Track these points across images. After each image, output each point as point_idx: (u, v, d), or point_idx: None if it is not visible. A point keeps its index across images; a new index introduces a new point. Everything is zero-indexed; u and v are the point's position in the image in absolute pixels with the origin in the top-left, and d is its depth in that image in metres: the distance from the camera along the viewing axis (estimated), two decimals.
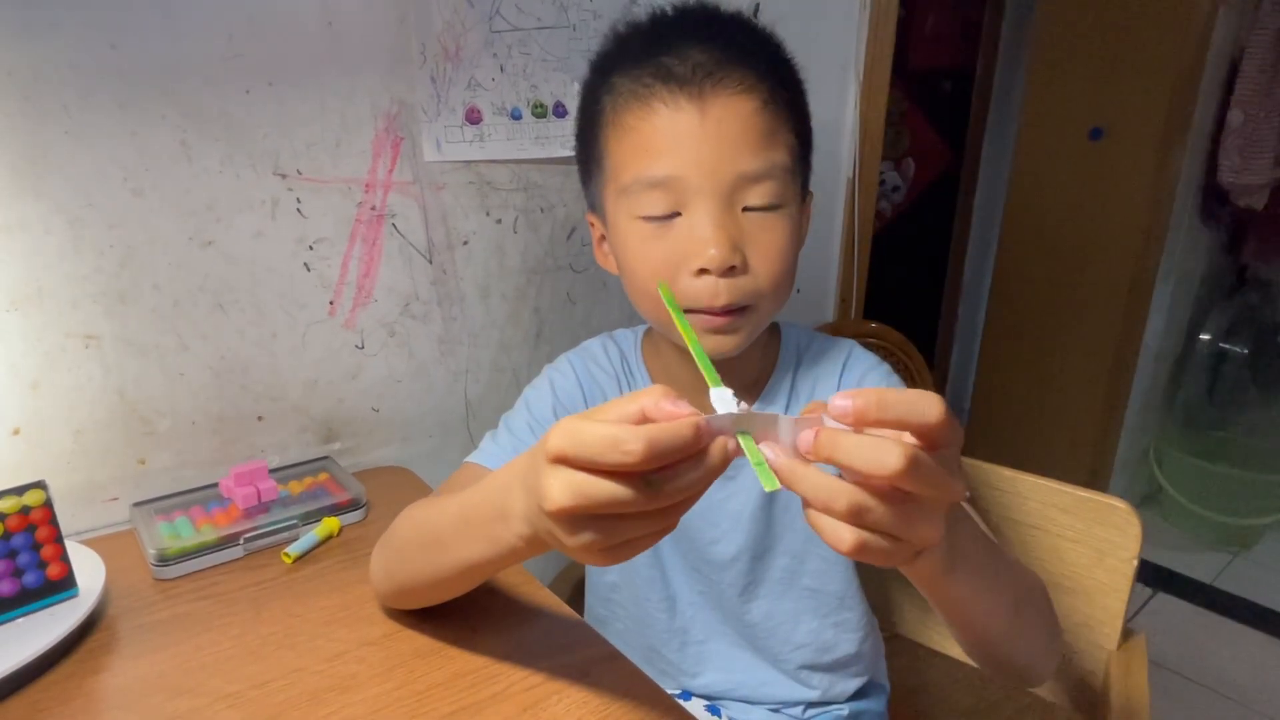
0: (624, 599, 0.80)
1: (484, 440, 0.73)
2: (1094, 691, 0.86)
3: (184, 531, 0.77)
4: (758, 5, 1.16)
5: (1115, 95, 1.97)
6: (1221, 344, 2.37)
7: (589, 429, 0.37)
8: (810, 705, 0.80)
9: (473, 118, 0.97)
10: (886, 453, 0.35)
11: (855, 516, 0.37)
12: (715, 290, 0.61)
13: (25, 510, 0.64)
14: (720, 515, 0.74)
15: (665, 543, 0.76)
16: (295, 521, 0.80)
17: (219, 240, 0.85)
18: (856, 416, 0.37)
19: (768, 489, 0.38)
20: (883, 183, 2.41)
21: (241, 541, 0.77)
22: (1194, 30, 1.87)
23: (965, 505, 0.67)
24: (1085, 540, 0.84)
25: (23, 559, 0.64)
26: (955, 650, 0.99)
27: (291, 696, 0.58)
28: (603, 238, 0.71)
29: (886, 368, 0.74)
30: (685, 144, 0.60)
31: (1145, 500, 2.43)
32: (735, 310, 0.63)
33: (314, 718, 0.56)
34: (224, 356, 0.88)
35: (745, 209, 0.62)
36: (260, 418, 0.92)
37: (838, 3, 1.31)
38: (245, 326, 0.88)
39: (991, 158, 2.56)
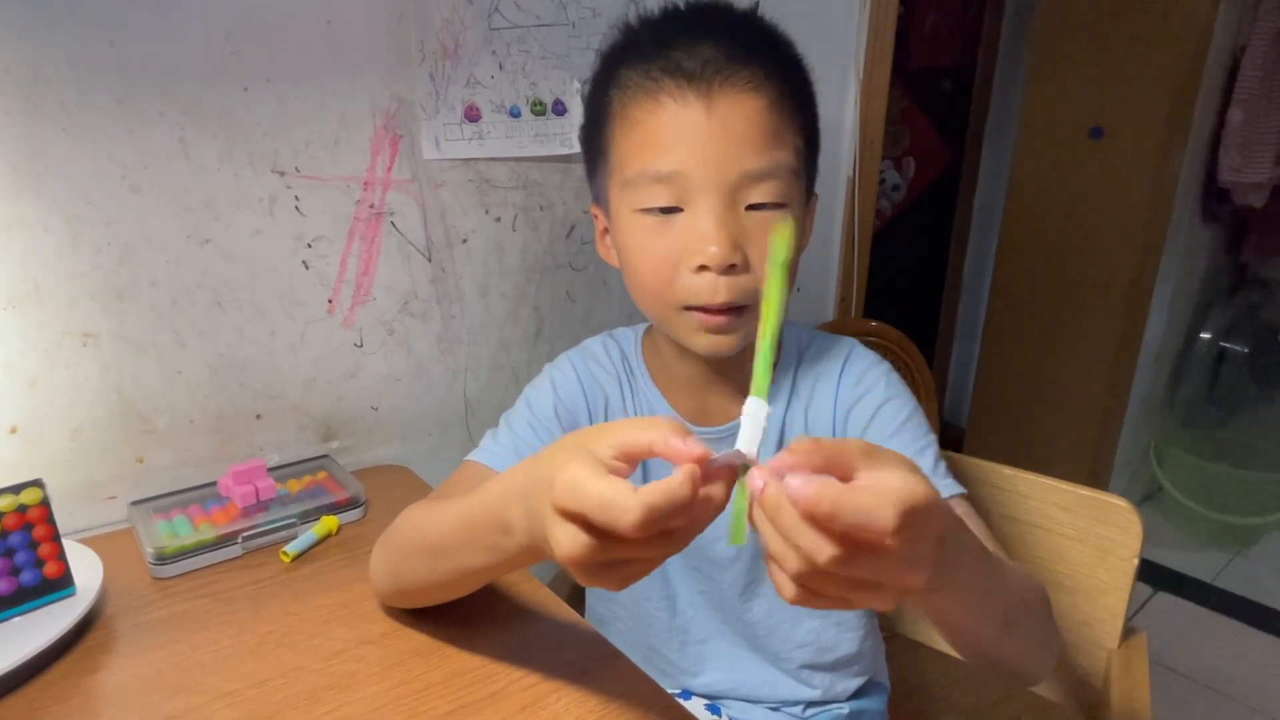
0: (624, 598, 0.80)
1: (485, 438, 0.73)
2: (1094, 690, 0.86)
3: (182, 530, 0.77)
4: (757, 4, 1.16)
5: (1115, 95, 1.97)
6: (1222, 343, 2.37)
7: (589, 488, 0.38)
8: (810, 704, 0.80)
9: (472, 115, 0.97)
10: (880, 516, 0.34)
11: (802, 580, 0.37)
12: (715, 288, 0.61)
13: (22, 509, 0.64)
14: (721, 514, 0.74)
15: None
16: (294, 520, 0.80)
17: (217, 238, 0.84)
18: (805, 509, 0.35)
19: (730, 542, 0.38)
20: (883, 182, 2.41)
21: (240, 540, 0.77)
22: (1194, 30, 1.87)
23: (964, 503, 0.67)
24: (1086, 539, 0.84)
25: (20, 557, 0.63)
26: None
27: (290, 695, 0.58)
28: (605, 231, 0.71)
29: (886, 366, 0.74)
30: (691, 140, 0.60)
31: (1145, 499, 2.43)
32: (734, 309, 0.63)
33: (312, 716, 0.55)
34: (222, 354, 0.88)
35: (748, 207, 0.62)
36: (259, 416, 0.92)
37: (838, 2, 1.31)
38: (244, 324, 0.88)
39: (991, 157, 2.57)
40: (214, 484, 0.86)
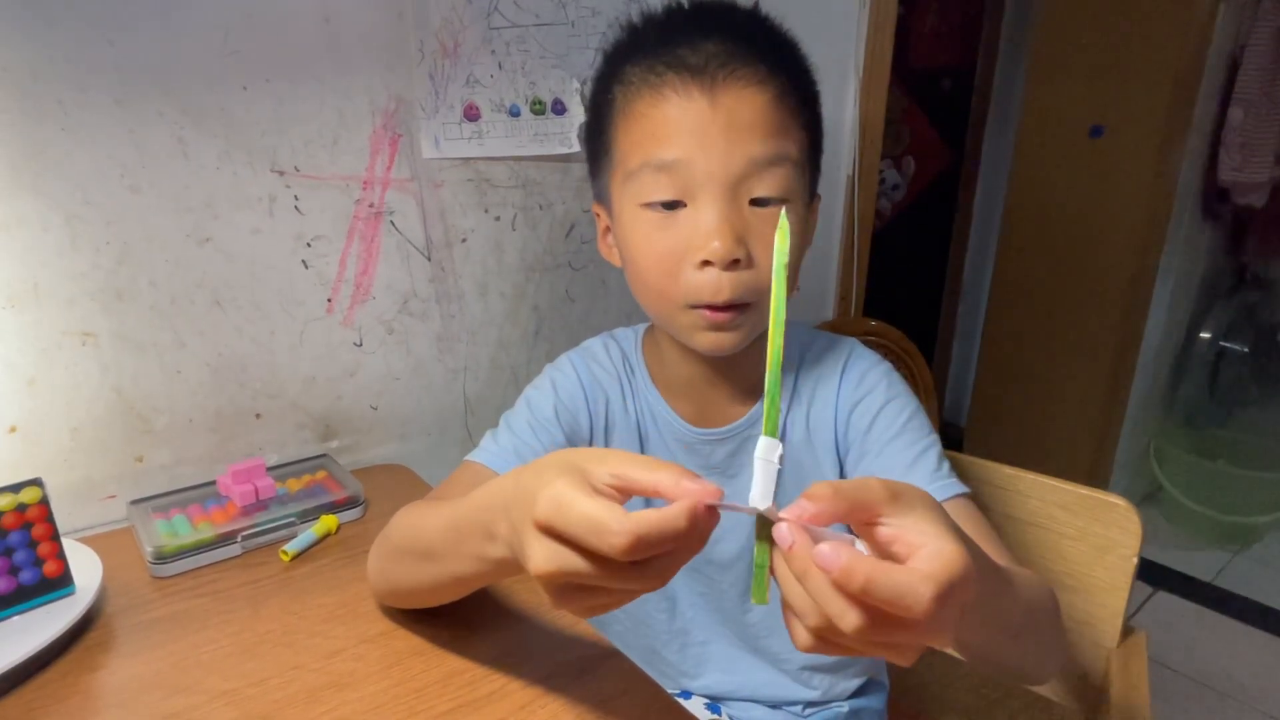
0: None
1: (484, 439, 0.73)
2: (1094, 689, 0.86)
3: (181, 529, 0.77)
4: (756, 4, 1.16)
5: (1115, 93, 1.97)
6: (1221, 342, 2.37)
7: (577, 507, 0.37)
8: (810, 704, 0.80)
9: (471, 115, 0.97)
10: (918, 598, 0.33)
11: (862, 634, 0.35)
12: (718, 284, 0.61)
13: (21, 508, 0.64)
14: (722, 516, 0.74)
15: None
16: (293, 519, 0.80)
17: (216, 237, 0.84)
18: (836, 582, 0.34)
19: (755, 600, 0.37)
20: (882, 181, 2.41)
21: (239, 539, 0.77)
22: (1194, 29, 1.87)
23: (969, 503, 0.66)
24: (1085, 538, 0.84)
25: (19, 556, 0.63)
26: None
27: (289, 694, 0.58)
28: (607, 229, 0.71)
29: (887, 366, 0.73)
30: (694, 130, 0.60)
31: (1145, 498, 2.43)
32: (737, 306, 0.62)
33: (311, 715, 0.55)
34: (221, 354, 0.88)
35: (753, 201, 0.61)
36: (258, 415, 0.92)
37: (838, 2, 1.31)
38: (243, 324, 0.88)
39: (991, 156, 2.57)
40: (213, 483, 0.86)
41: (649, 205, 0.62)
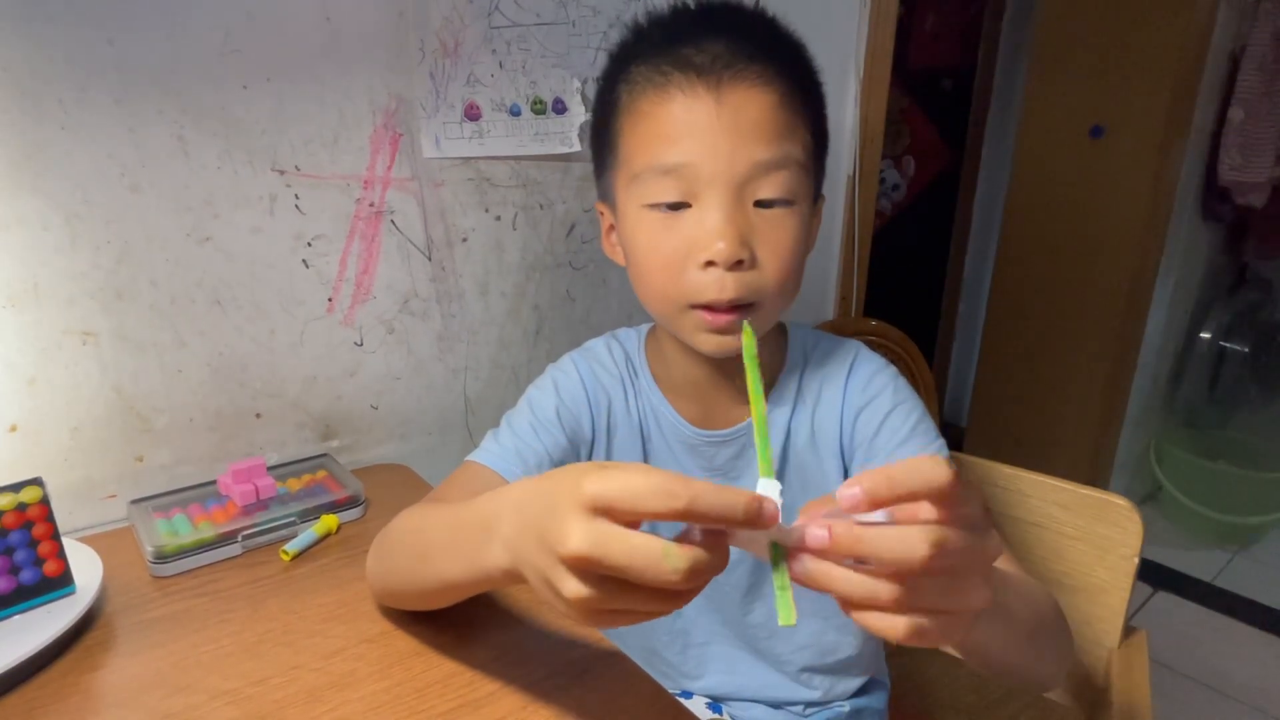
0: None
1: (486, 439, 0.73)
2: (1095, 689, 0.86)
3: (182, 529, 0.77)
4: (757, 2, 1.16)
5: (1115, 94, 1.97)
6: (1222, 342, 2.37)
7: (631, 476, 0.36)
8: (811, 704, 0.80)
9: (472, 114, 0.97)
10: (912, 543, 0.34)
11: (902, 606, 0.36)
12: (722, 285, 0.61)
13: (22, 507, 0.64)
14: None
15: None
16: (293, 519, 0.80)
17: (217, 237, 0.84)
18: (870, 501, 0.35)
19: (782, 622, 0.36)
20: (883, 181, 2.41)
21: (239, 539, 0.77)
22: (1194, 29, 1.87)
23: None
24: (1086, 538, 0.84)
25: (19, 556, 0.63)
26: None
27: (289, 694, 0.57)
28: (611, 228, 0.71)
29: (893, 370, 0.73)
30: (700, 131, 0.60)
31: (1146, 499, 2.43)
32: (741, 306, 0.62)
33: (312, 715, 0.55)
34: (222, 353, 0.87)
35: (757, 203, 0.61)
36: (258, 415, 0.92)
37: (838, 2, 1.31)
38: (243, 323, 0.88)
39: (991, 156, 2.57)
40: (213, 482, 0.86)
41: (654, 206, 0.62)
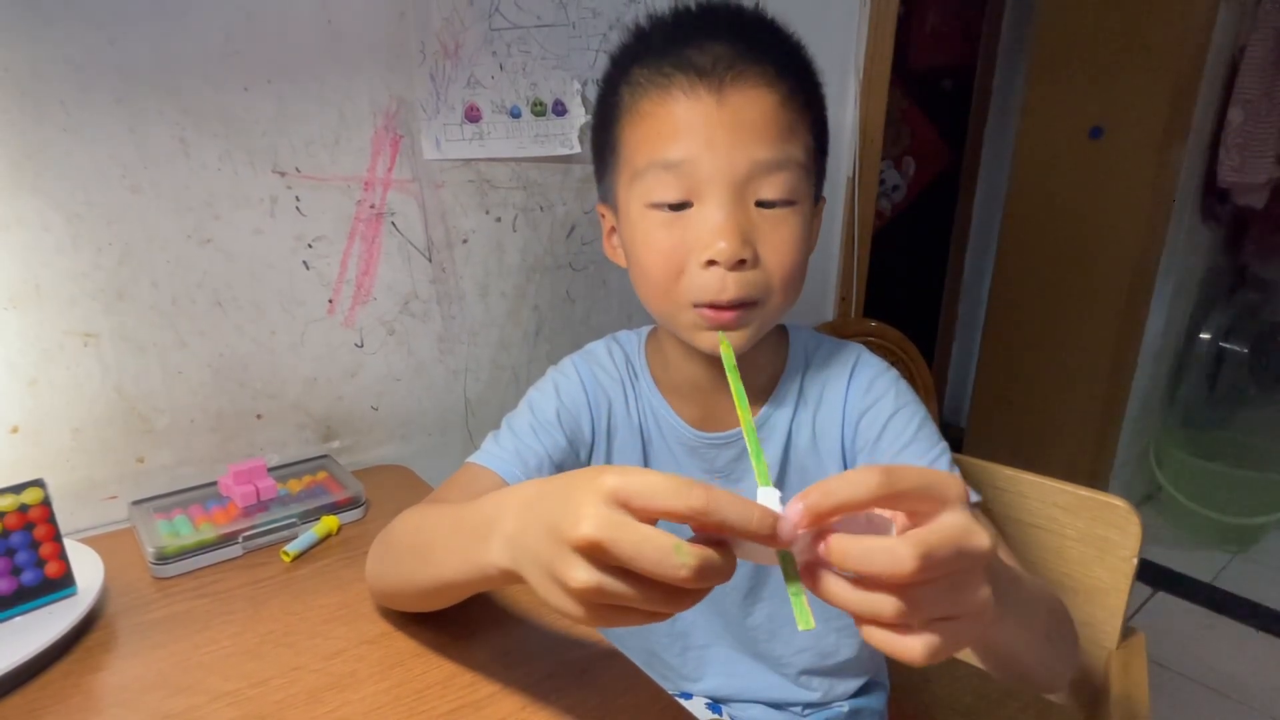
0: None
1: (486, 440, 0.73)
2: (1094, 690, 0.86)
3: (182, 530, 0.77)
4: (757, 4, 1.16)
5: (1115, 95, 1.97)
6: (1221, 343, 2.37)
7: (652, 474, 0.37)
8: (810, 705, 0.80)
9: (472, 116, 0.97)
10: (897, 558, 0.34)
11: (905, 619, 0.36)
12: (723, 283, 0.61)
13: (23, 508, 0.64)
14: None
15: None
16: (294, 520, 0.80)
17: (217, 238, 0.84)
18: (812, 518, 0.36)
19: (802, 627, 0.37)
20: (882, 181, 2.42)
21: (240, 540, 0.77)
22: (1194, 30, 1.87)
23: (978, 512, 0.67)
24: (1085, 539, 0.84)
25: (21, 557, 0.63)
26: None
27: (290, 695, 0.58)
28: (612, 230, 0.71)
29: (895, 373, 0.73)
30: (701, 129, 0.60)
31: (1145, 499, 2.43)
32: (742, 305, 0.62)
33: (312, 716, 0.55)
34: (223, 354, 0.88)
35: (758, 203, 0.61)
36: (259, 416, 0.92)
37: (838, 2, 1.31)
38: (244, 324, 0.88)
39: (991, 157, 2.57)
40: (214, 484, 0.86)
41: (656, 205, 0.62)
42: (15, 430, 0.78)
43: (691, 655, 0.79)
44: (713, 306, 0.62)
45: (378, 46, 0.89)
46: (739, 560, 0.51)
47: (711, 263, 0.60)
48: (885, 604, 0.36)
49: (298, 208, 0.88)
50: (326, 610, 0.68)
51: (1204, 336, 2.37)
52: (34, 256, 0.75)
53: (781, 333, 0.75)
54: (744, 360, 0.67)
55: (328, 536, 0.80)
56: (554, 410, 0.72)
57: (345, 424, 0.99)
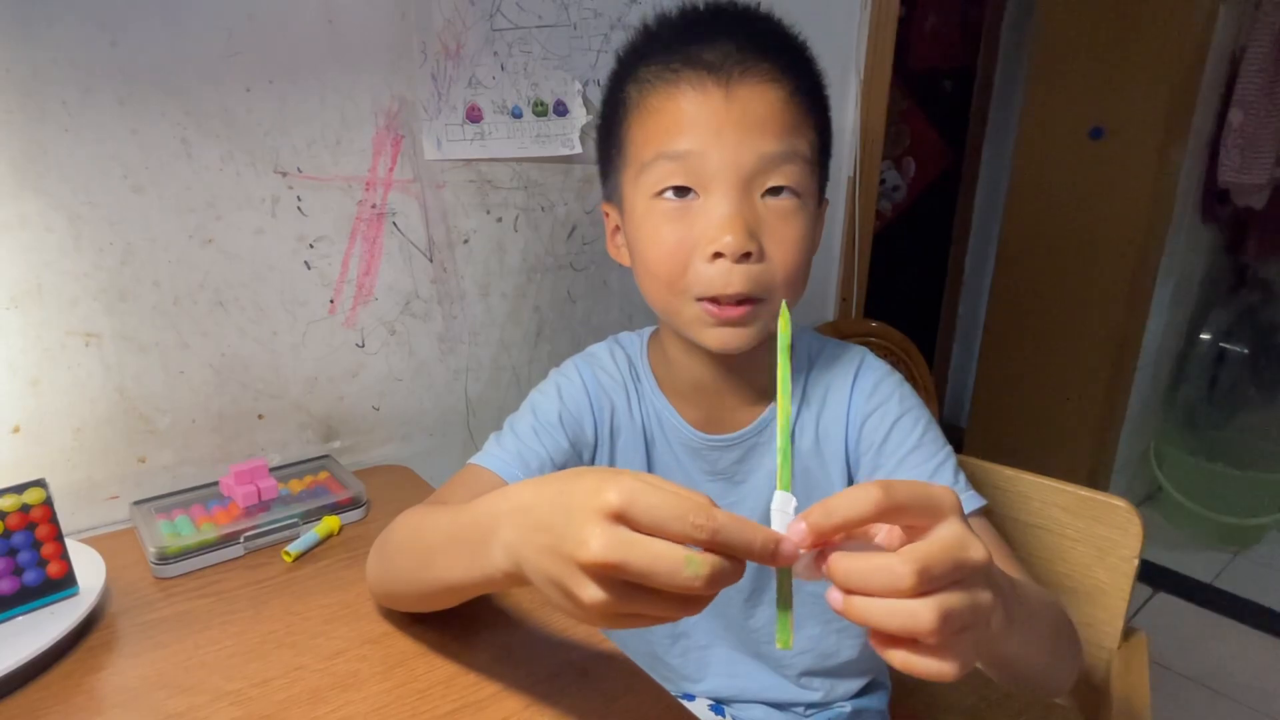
0: None
1: (488, 442, 0.73)
2: (1095, 690, 0.86)
3: (184, 530, 0.77)
4: (758, 4, 1.16)
5: (1115, 95, 1.97)
6: (1221, 344, 2.37)
7: (655, 493, 0.37)
8: (812, 705, 0.80)
9: (473, 116, 0.97)
10: (896, 576, 0.35)
11: (937, 625, 0.35)
12: (729, 277, 0.61)
13: (25, 508, 0.64)
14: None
15: None
16: (295, 520, 0.80)
17: (219, 238, 0.84)
18: (815, 537, 0.36)
19: (780, 645, 0.38)
20: (883, 182, 2.42)
21: (241, 540, 0.77)
22: (1194, 30, 1.87)
23: (984, 518, 0.67)
24: (1086, 539, 0.84)
25: (23, 557, 0.64)
26: None
27: (292, 695, 0.58)
28: (617, 229, 0.71)
29: (898, 377, 0.73)
30: (709, 123, 0.60)
31: (1145, 499, 2.43)
32: (748, 301, 0.62)
33: (314, 716, 0.56)
34: (224, 354, 0.88)
35: (765, 193, 0.61)
36: (260, 416, 0.92)
37: (838, 3, 1.31)
38: (245, 324, 0.88)
39: (991, 157, 2.57)
40: (216, 484, 0.86)
41: (661, 194, 0.62)
42: (17, 430, 0.78)
43: (693, 656, 0.79)
44: (718, 301, 0.62)
45: (379, 47, 0.89)
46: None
47: (717, 255, 0.60)
48: (922, 613, 0.35)
49: (299, 208, 0.88)
50: (328, 610, 0.68)
51: (1204, 337, 2.37)
52: (36, 257, 0.75)
53: None
54: (745, 360, 0.67)
55: (329, 536, 0.80)
56: (556, 412, 0.72)
57: (346, 424, 0.99)
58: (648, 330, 0.79)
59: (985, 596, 0.38)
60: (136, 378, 0.83)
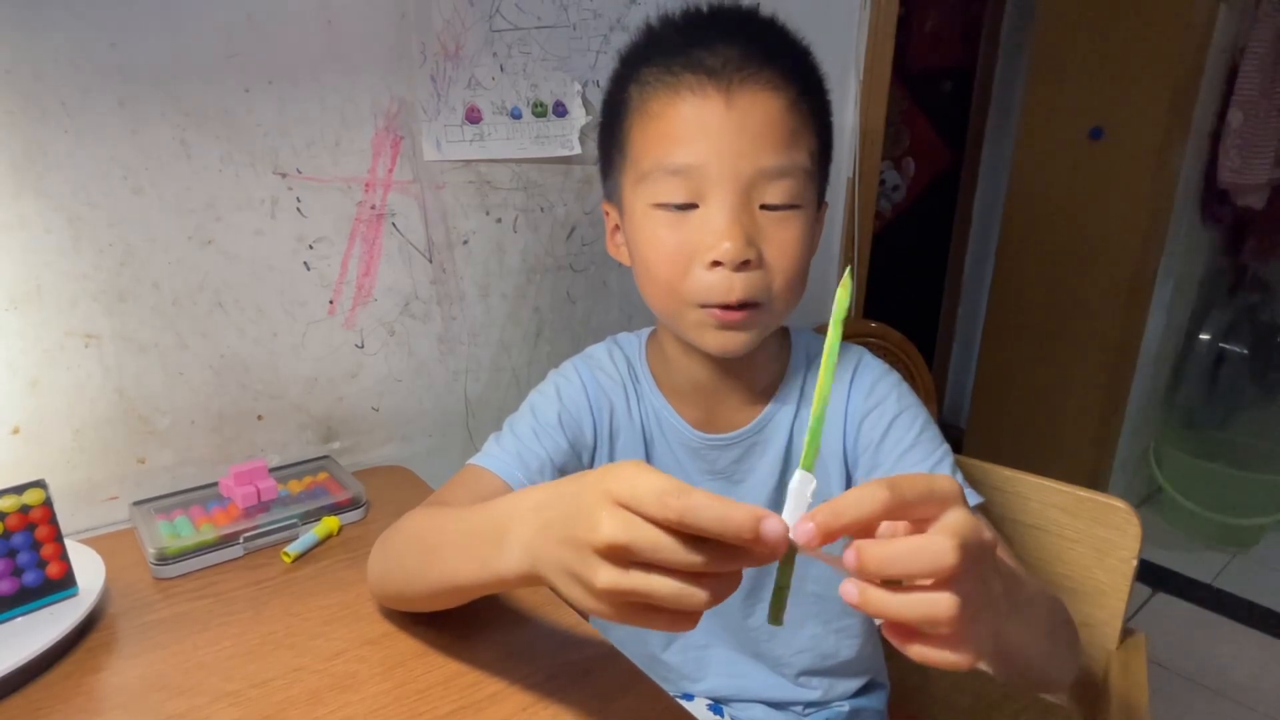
0: None
1: (488, 442, 0.73)
2: (1093, 691, 0.86)
3: (183, 530, 0.77)
4: (758, 5, 1.16)
5: (1115, 95, 1.97)
6: (1221, 344, 2.37)
7: (644, 479, 0.38)
8: (810, 704, 0.80)
9: (473, 117, 0.97)
10: (941, 551, 0.34)
11: (957, 612, 0.35)
12: (729, 284, 0.61)
13: (25, 509, 0.64)
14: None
15: None
16: (295, 521, 0.80)
17: (219, 239, 0.85)
18: (823, 535, 0.36)
19: (770, 621, 0.38)
20: (883, 182, 2.42)
21: (241, 541, 0.77)
22: (1194, 30, 1.87)
23: (981, 515, 0.67)
24: (1085, 540, 0.84)
25: (22, 558, 0.64)
26: None
27: (291, 695, 0.58)
28: (617, 228, 0.71)
29: (896, 376, 0.73)
30: (709, 133, 0.60)
31: (1145, 500, 2.43)
32: (747, 306, 0.62)
33: (314, 717, 0.56)
34: (224, 355, 0.88)
35: (763, 206, 0.62)
36: (260, 416, 0.92)
37: (838, 3, 1.31)
38: (245, 325, 0.88)
39: (991, 157, 2.57)
40: (215, 484, 0.86)
41: (661, 206, 0.62)
42: (16, 431, 0.78)
43: (691, 656, 0.79)
44: (718, 307, 0.62)
45: (378, 48, 0.89)
46: None
47: (716, 264, 0.61)
48: (942, 601, 0.35)
49: (299, 209, 0.89)
50: (328, 611, 0.68)
51: (1204, 337, 2.37)
52: (36, 258, 0.75)
53: (784, 334, 0.76)
54: (743, 361, 0.67)
55: (328, 537, 0.80)
56: (555, 413, 0.73)
57: (346, 425, 0.99)
58: (646, 331, 0.79)
59: (995, 581, 0.39)
60: (136, 378, 0.83)
